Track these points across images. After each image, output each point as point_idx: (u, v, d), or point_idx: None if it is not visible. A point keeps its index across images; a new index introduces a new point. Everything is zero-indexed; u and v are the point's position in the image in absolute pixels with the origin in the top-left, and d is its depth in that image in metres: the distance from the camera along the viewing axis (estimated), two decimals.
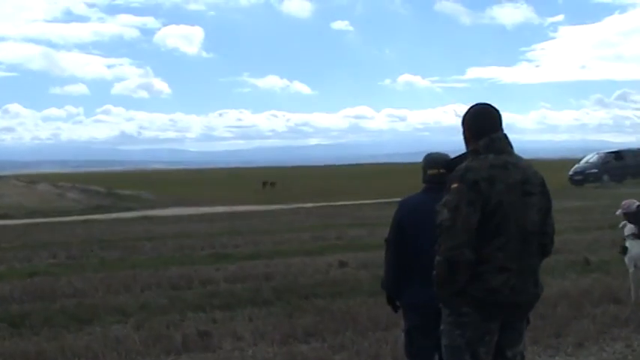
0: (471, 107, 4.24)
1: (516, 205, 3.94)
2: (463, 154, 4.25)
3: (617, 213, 9.63)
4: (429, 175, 5.14)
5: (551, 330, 7.74)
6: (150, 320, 8.88)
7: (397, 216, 5.15)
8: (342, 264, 13.13)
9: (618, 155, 45.75)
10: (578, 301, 9.09)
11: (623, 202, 9.61)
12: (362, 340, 7.64)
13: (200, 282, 11.65)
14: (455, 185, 3.94)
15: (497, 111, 4.19)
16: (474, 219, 3.84)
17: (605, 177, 42.57)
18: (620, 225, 9.64)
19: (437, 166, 5.11)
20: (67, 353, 7.33)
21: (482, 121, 4.13)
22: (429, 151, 5.33)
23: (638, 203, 9.52)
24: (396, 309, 5.27)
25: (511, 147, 4.14)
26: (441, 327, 4.15)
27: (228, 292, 10.62)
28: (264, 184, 57.96)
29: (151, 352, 7.42)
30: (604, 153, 47.17)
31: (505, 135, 4.14)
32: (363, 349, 7.29)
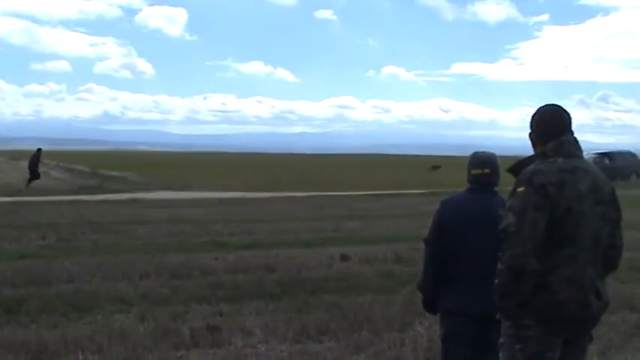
0: (540, 108, 3.99)
1: (587, 213, 3.68)
2: (529, 156, 3.98)
3: None
4: (472, 174, 4.91)
5: None
6: (153, 311, 8.52)
7: (437, 216, 4.92)
8: (344, 257, 12.83)
9: (608, 156, 46.30)
10: None
11: None
12: (378, 340, 7.33)
13: (200, 271, 11.30)
14: (521, 189, 3.67)
15: (566, 113, 3.93)
16: (541, 225, 3.57)
17: None
18: None
19: (481, 165, 4.88)
20: (70, 345, 6.95)
21: (550, 123, 3.88)
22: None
23: None
24: (434, 312, 5.02)
25: (581, 151, 3.87)
26: (500, 340, 3.87)
27: (231, 284, 10.27)
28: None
29: (159, 346, 7.06)
30: (593, 153, 47.49)
31: (575, 138, 3.88)
32: (381, 350, 6.99)
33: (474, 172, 4.89)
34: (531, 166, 3.75)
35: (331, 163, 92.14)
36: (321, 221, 20.07)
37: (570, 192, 3.63)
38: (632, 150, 49.55)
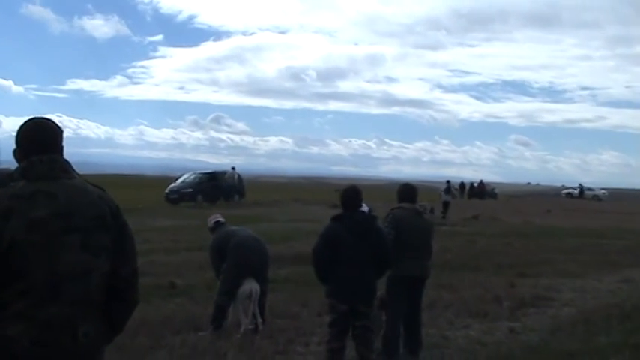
0: (24, 122, 3.50)
1: (42, 244, 3.25)
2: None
3: None
4: None
5: None
6: None
7: None
8: None
9: (212, 176, 46.51)
10: (159, 329, 8.77)
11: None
12: None
13: None
14: None
15: (52, 128, 3.47)
16: None
17: (200, 197, 43.10)
18: None
19: None
20: None
21: (32, 140, 3.42)
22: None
23: (216, 219, 9.74)
24: None
25: (64, 172, 3.42)
26: None
27: None
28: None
29: None
30: (199, 173, 47.54)
31: (55, 158, 3.41)
32: None
33: None
34: None
35: None
36: None
37: (19, 221, 3.22)
38: (240, 171, 50.37)
